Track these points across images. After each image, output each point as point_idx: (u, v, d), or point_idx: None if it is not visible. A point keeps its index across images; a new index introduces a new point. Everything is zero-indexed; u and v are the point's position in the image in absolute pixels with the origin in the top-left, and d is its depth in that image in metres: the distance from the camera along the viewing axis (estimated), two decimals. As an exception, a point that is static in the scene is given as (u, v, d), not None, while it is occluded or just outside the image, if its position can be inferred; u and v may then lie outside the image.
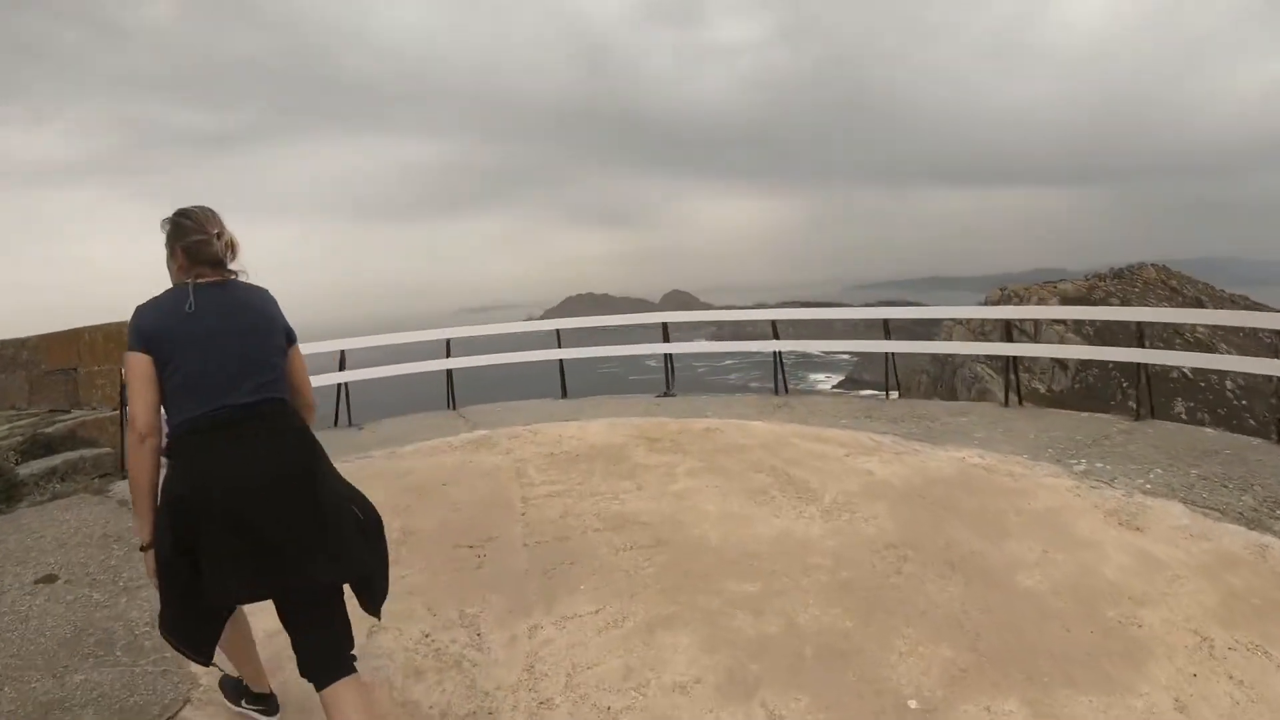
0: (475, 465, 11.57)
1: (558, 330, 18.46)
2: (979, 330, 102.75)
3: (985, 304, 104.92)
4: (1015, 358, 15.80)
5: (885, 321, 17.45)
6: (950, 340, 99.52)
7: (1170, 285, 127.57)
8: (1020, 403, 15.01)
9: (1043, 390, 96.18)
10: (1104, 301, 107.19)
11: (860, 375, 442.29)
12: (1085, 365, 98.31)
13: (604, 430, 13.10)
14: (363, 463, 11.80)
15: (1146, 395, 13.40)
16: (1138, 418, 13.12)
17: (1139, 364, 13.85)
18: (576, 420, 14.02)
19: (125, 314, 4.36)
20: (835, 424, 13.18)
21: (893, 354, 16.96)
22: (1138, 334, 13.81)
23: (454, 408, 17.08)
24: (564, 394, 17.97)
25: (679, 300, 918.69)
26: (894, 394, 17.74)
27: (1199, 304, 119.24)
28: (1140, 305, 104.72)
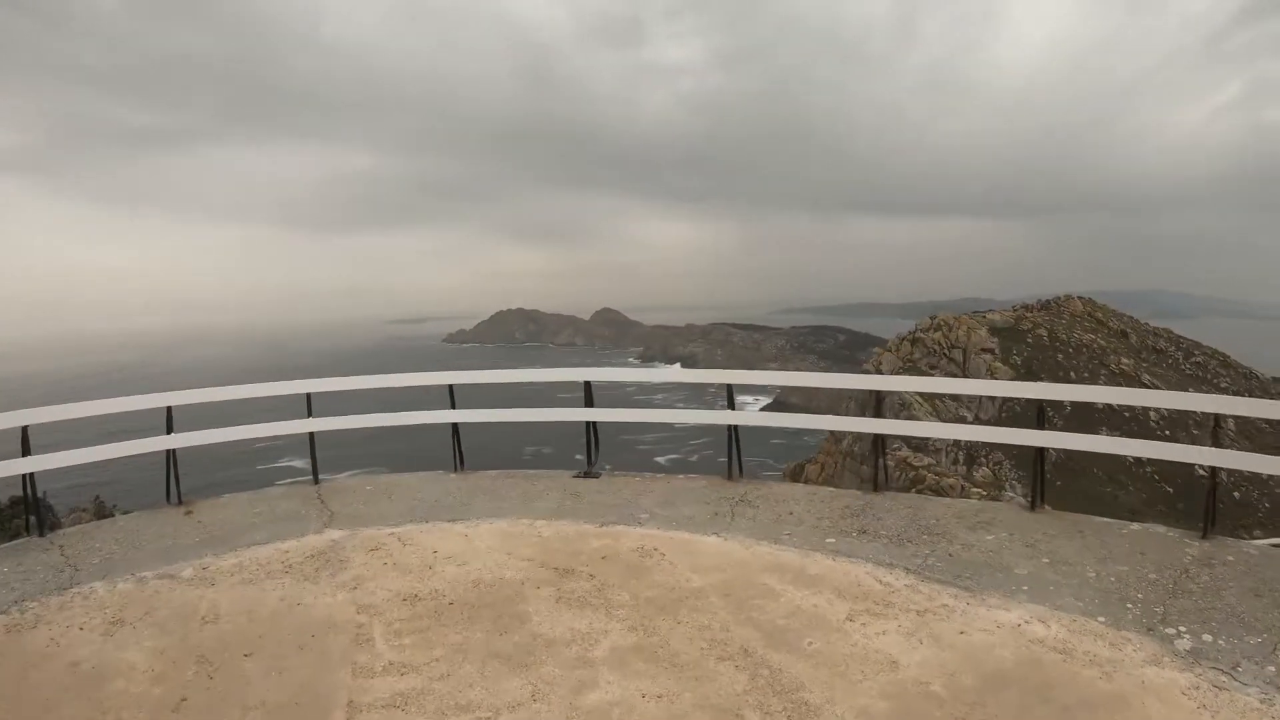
0: (302, 614, 8.10)
1: (450, 387, 15.14)
2: (908, 358, 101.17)
3: (917, 331, 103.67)
4: (1042, 450, 12.61)
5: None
6: (881, 367, 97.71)
7: (1096, 317, 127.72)
8: (1042, 500, 11.69)
9: (970, 418, 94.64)
10: (1032, 331, 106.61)
11: (788, 399, 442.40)
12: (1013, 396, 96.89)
13: (497, 545, 9.71)
14: (157, 585, 8.97)
15: (1211, 506, 11.01)
16: (1205, 534, 10.57)
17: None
18: (464, 520, 10.85)
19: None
20: (818, 540, 9.91)
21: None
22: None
23: (317, 481, 14.00)
24: (459, 464, 14.86)
25: (609, 318, 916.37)
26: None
27: (1124, 335, 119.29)
28: (1067, 335, 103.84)
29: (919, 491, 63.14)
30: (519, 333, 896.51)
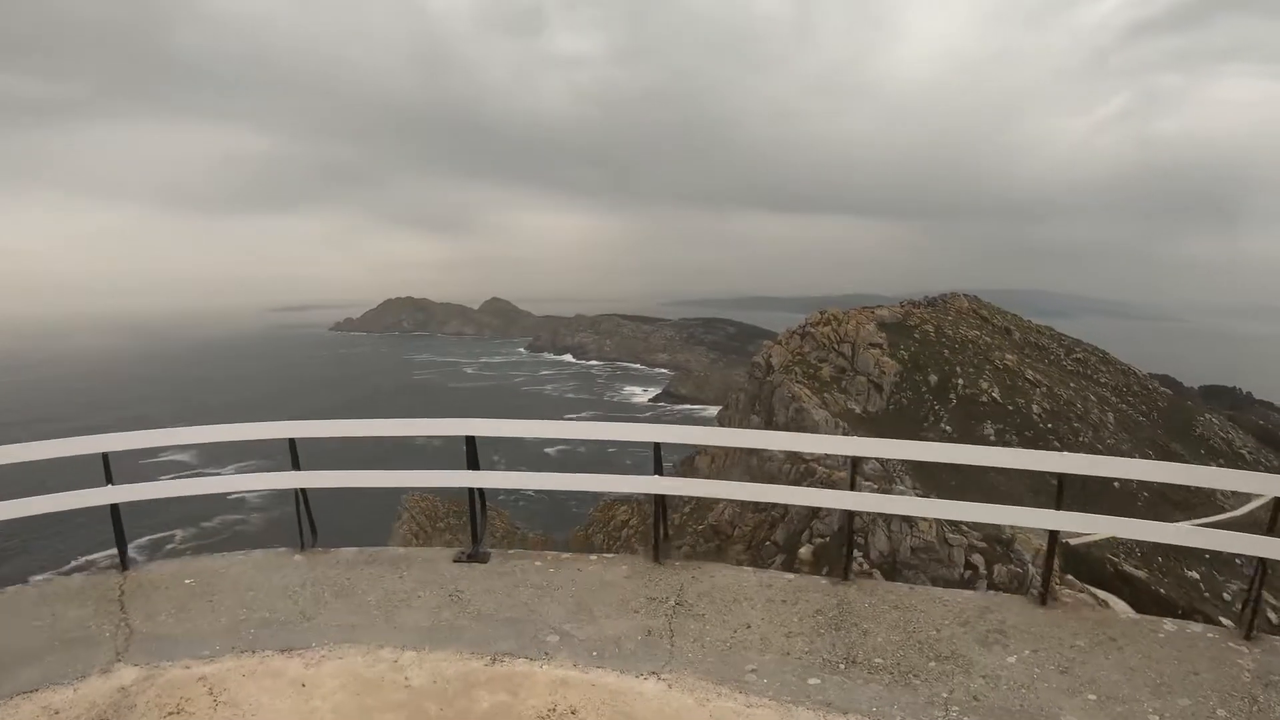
0: None
1: (292, 441, 11.76)
2: (798, 351, 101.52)
3: (806, 324, 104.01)
4: (1055, 532, 10.61)
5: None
6: (771, 360, 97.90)
7: (981, 314, 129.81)
8: (1060, 582, 10.24)
9: (858, 411, 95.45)
10: (919, 326, 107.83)
11: (677, 389, 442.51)
12: (899, 388, 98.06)
13: (347, 709, 6.73)
14: None
15: (1255, 601, 9.22)
16: (1248, 635, 8.62)
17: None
18: (303, 649, 7.81)
19: None
20: (797, 680, 7.21)
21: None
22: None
23: (125, 568, 10.65)
24: (306, 539, 11.69)
25: (498, 308, 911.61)
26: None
27: (1008, 332, 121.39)
28: (953, 331, 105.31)
29: (810, 485, 63.41)
30: (407, 321, 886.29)
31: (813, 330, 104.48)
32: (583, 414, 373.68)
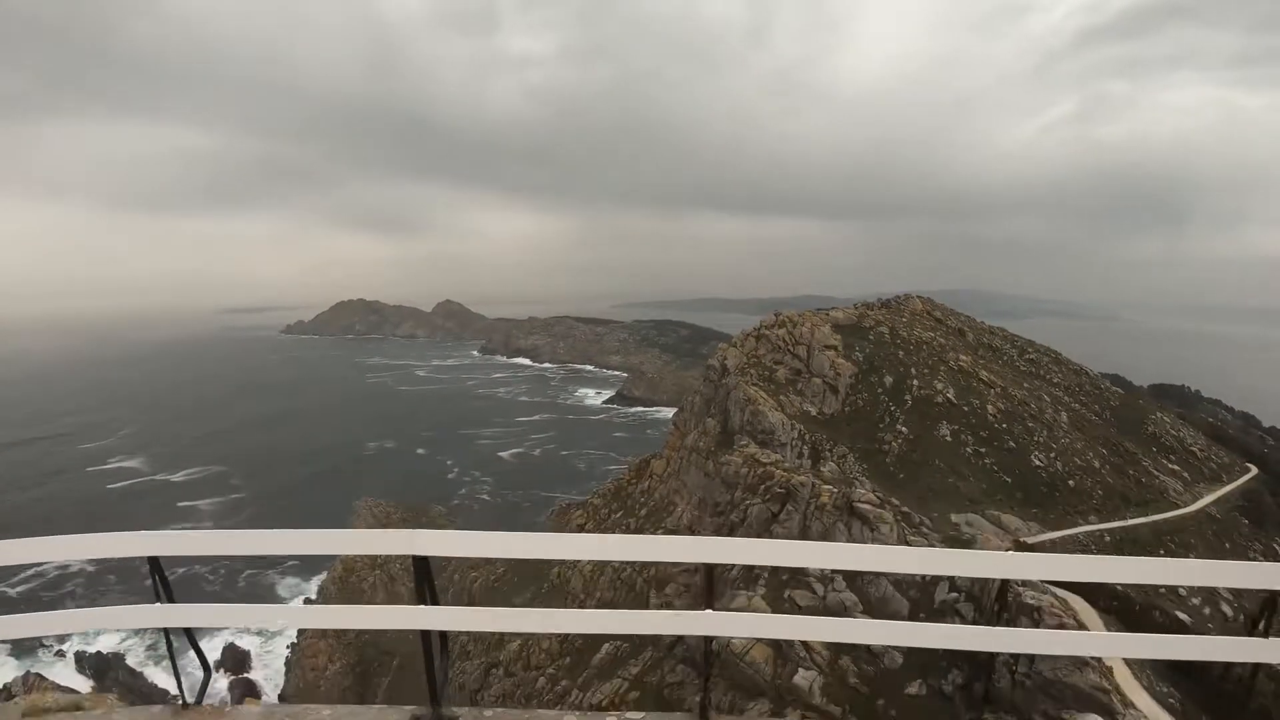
0: None
1: (155, 561, 8.79)
2: (753, 353, 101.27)
3: (761, 327, 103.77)
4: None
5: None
6: (725, 362, 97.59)
7: (935, 316, 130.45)
8: None
9: (814, 413, 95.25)
10: (874, 328, 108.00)
11: (631, 392, 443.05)
12: (855, 390, 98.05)
13: None
14: None
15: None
16: None
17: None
18: None
19: None
20: None
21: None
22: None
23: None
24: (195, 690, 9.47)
25: (451, 310, 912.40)
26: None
27: (961, 334, 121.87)
28: (908, 332, 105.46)
29: (768, 489, 63.28)
30: (359, 324, 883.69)
31: (767, 332, 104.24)
32: (536, 416, 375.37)
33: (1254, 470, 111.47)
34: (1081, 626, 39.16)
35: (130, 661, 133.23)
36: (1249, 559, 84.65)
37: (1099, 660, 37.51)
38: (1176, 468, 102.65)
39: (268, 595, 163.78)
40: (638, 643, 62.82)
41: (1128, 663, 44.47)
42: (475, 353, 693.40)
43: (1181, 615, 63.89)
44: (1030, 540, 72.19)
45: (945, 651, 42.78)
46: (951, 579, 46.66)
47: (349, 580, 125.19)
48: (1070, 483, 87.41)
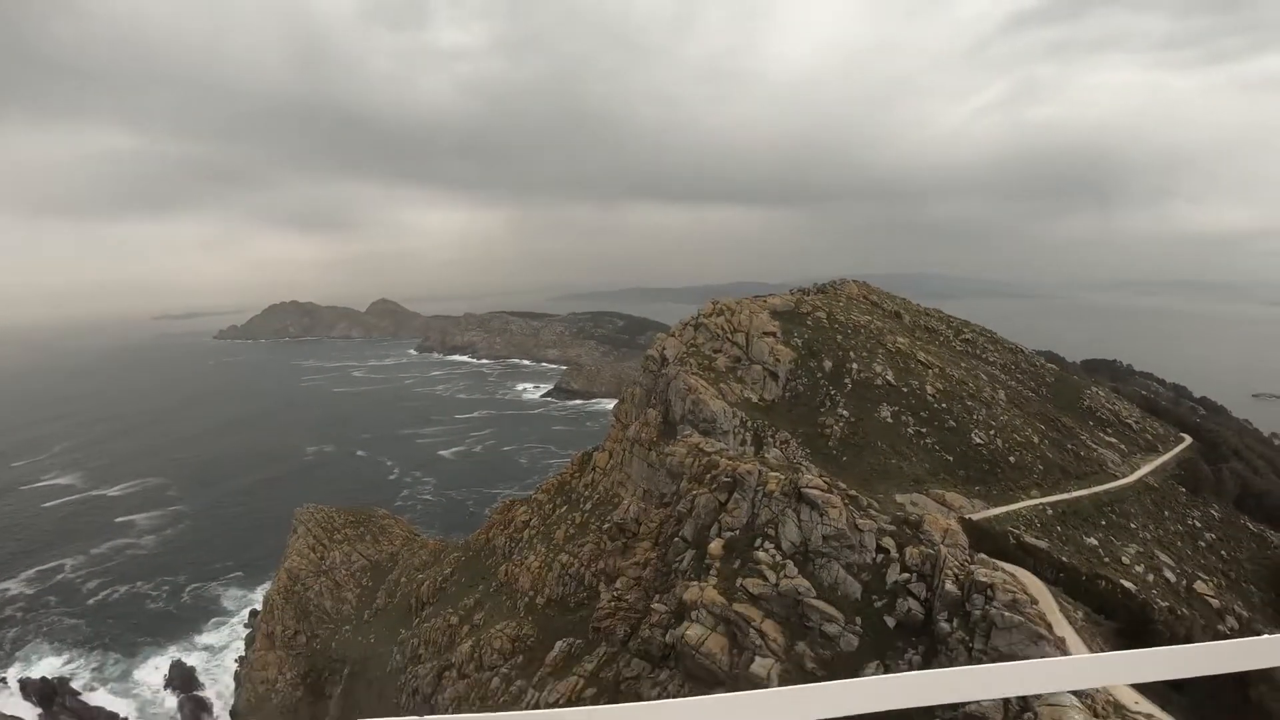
0: None
1: None
2: (691, 342, 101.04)
3: (699, 315, 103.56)
4: None
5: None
6: (664, 352, 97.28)
7: (871, 299, 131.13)
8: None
9: (755, 400, 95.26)
10: (811, 314, 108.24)
11: (569, 385, 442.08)
12: (795, 375, 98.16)
13: None
14: None
15: None
16: None
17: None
18: None
19: None
20: None
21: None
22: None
23: None
24: None
25: (386, 309, 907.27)
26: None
27: (898, 316, 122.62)
28: (845, 316, 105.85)
29: (714, 478, 62.98)
30: (293, 326, 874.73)
31: (706, 321, 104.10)
32: (475, 413, 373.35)
33: (1188, 440, 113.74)
34: (1032, 600, 39.33)
35: (76, 685, 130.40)
36: (1188, 525, 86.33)
37: (1050, 629, 37.71)
38: (1113, 440, 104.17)
39: (212, 607, 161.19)
40: (591, 638, 62.41)
41: (1079, 632, 44.92)
42: (412, 351, 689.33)
43: (1127, 583, 64.75)
44: (975, 517, 72.77)
45: (899, 630, 42.87)
46: (902, 558, 46.77)
47: (294, 590, 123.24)
48: (1011, 459, 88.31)
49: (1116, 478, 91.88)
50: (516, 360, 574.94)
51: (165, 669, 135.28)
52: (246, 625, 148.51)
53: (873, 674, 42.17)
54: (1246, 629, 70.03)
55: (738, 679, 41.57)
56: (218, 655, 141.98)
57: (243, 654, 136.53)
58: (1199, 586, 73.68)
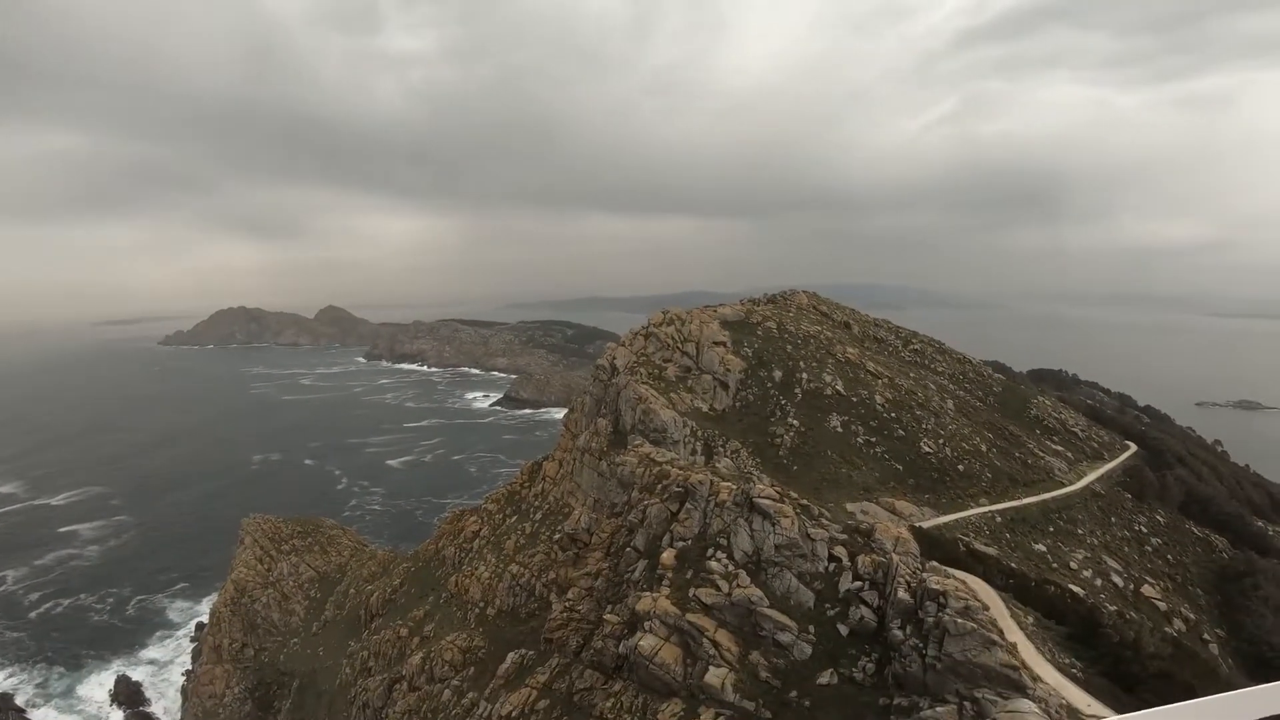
0: None
1: None
2: (642, 351, 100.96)
3: (650, 325, 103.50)
4: None
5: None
6: (615, 361, 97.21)
7: (820, 309, 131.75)
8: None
9: (706, 409, 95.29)
10: (762, 324, 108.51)
11: (518, 394, 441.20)
12: (745, 385, 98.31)
13: None
14: None
15: None
16: None
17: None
18: None
19: None
20: None
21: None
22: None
23: None
24: None
25: (334, 316, 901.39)
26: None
27: (847, 326, 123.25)
28: (795, 327, 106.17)
29: (665, 488, 62.86)
30: (240, 333, 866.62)
31: (656, 331, 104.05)
32: (424, 422, 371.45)
33: (1133, 447, 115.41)
34: (984, 606, 39.62)
35: (19, 701, 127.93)
36: (1135, 530, 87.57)
37: (1002, 635, 37.96)
38: (1060, 448, 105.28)
39: (158, 620, 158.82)
40: (543, 650, 62.03)
41: (1030, 637, 45.23)
42: (360, 359, 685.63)
43: (1075, 588, 65.39)
44: (925, 525, 73.18)
45: (853, 637, 42.97)
46: (854, 567, 46.85)
47: (241, 601, 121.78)
48: (960, 467, 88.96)
49: (1064, 485, 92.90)
50: (466, 369, 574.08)
51: (110, 684, 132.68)
52: (193, 638, 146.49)
53: (827, 682, 42.52)
54: (1194, 631, 71.12)
55: (692, 689, 41.46)
56: (164, 669, 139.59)
57: (189, 668, 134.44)
58: (1146, 590, 74.79)
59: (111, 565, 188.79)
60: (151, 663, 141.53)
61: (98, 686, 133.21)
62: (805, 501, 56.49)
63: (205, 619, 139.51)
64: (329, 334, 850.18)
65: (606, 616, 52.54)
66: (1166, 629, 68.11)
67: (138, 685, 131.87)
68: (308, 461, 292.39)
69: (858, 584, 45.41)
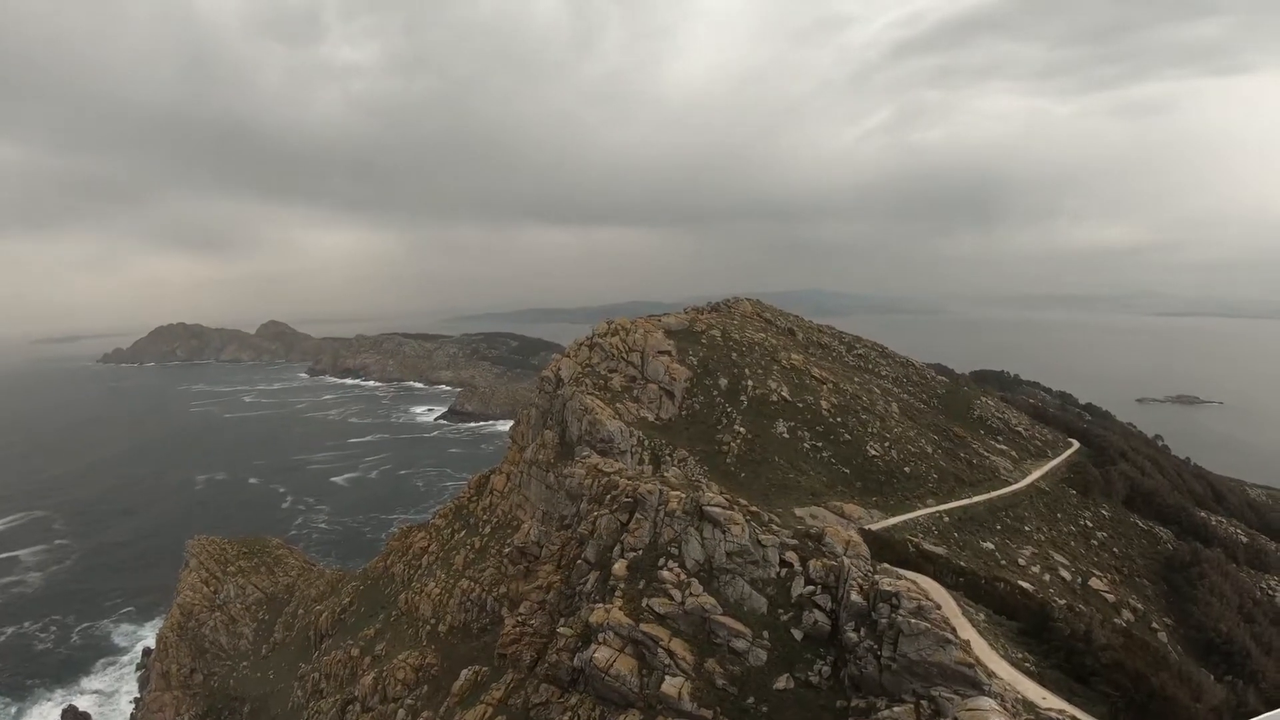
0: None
1: None
2: (587, 362, 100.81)
3: (594, 335, 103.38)
4: None
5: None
6: (560, 373, 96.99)
7: (764, 317, 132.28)
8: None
9: (652, 419, 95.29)
10: (706, 332, 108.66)
11: (463, 407, 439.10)
12: (691, 394, 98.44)
13: None
14: None
15: None
16: None
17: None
18: None
19: None
20: None
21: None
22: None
23: None
24: None
25: (276, 331, 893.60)
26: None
27: (791, 333, 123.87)
28: (739, 334, 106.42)
29: (614, 499, 62.62)
30: (180, 349, 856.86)
31: (601, 341, 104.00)
32: (369, 437, 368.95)
33: (1076, 444, 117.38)
34: (936, 605, 39.85)
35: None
36: (1080, 525, 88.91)
37: (954, 633, 38.19)
38: (1004, 447, 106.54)
39: (104, 646, 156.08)
40: (497, 665, 61.59)
41: (983, 634, 45.65)
42: (303, 374, 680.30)
43: (1025, 584, 66.10)
44: (874, 527, 73.64)
45: (808, 642, 43.03)
46: (806, 571, 46.92)
47: (188, 626, 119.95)
48: (906, 469, 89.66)
49: (1009, 483, 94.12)
50: (410, 382, 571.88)
51: (56, 715, 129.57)
52: (140, 665, 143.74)
53: (784, 686, 42.49)
54: (1142, 621, 72.25)
55: (649, 700, 41.28)
56: (111, 699, 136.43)
57: (137, 695, 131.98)
58: (1094, 583, 75.97)
59: (54, 591, 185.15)
60: (98, 692, 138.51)
61: (43, 718, 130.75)
62: (755, 508, 56.53)
63: (152, 644, 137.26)
64: (271, 349, 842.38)
65: (560, 629, 52.17)
66: (1116, 620, 69.08)
67: (86, 716, 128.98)
68: (252, 480, 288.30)
69: (810, 588, 45.44)
